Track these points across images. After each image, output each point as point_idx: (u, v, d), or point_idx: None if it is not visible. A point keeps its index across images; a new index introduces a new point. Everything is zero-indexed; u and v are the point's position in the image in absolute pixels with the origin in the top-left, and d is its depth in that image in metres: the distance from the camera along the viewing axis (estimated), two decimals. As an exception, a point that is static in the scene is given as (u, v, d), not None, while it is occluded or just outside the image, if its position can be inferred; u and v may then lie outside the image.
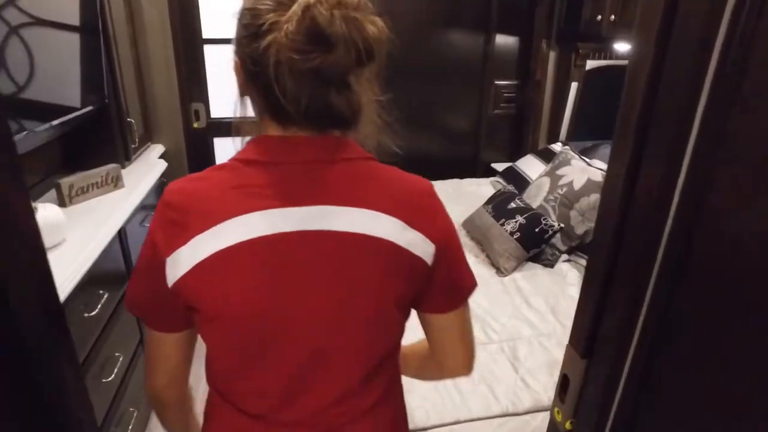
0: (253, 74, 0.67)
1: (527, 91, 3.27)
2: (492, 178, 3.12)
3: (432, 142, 3.32)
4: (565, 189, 2.23)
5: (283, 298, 0.67)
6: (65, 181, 2.09)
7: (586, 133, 3.30)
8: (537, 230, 2.09)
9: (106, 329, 1.67)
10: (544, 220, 2.10)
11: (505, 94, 3.31)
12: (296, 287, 0.67)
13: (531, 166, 2.87)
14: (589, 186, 2.17)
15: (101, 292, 1.64)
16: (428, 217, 0.74)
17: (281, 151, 0.69)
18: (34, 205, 1.56)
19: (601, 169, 2.25)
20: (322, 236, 0.67)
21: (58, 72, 2.04)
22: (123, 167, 2.55)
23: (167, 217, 0.68)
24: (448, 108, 3.29)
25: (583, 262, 2.15)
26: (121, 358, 1.73)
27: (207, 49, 2.96)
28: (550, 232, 2.10)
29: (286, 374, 0.72)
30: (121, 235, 2.00)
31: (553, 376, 1.58)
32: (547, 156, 2.89)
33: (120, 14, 2.62)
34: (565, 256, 2.22)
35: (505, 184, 2.93)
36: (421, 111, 3.23)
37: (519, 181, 2.78)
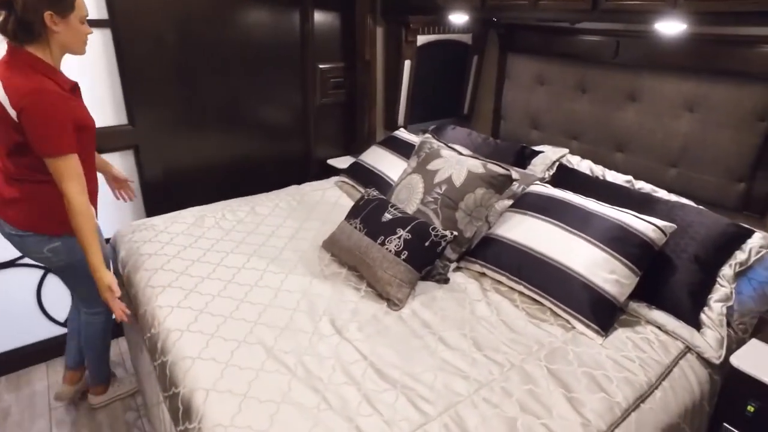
0: None
1: (357, 74, 2.80)
2: (335, 178, 2.60)
3: (251, 144, 2.66)
4: (444, 187, 1.83)
5: None
6: None
7: (423, 114, 2.98)
8: (427, 244, 1.65)
9: None
10: (432, 230, 1.67)
11: (332, 80, 2.80)
12: None
13: (381, 160, 2.43)
14: (472, 180, 1.79)
15: None
16: None
17: None
18: None
19: (478, 158, 1.90)
20: None
21: None
22: None
23: None
24: (265, 101, 2.65)
25: (477, 268, 1.78)
26: None
27: None
28: (443, 244, 1.68)
29: None
30: None
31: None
32: (394, 145, 2.48)
33: None
34: (454, 264, 1.83)
35: (354, 184, 2.44)
36: (232, 108, 2.54)
37: (373, 180, 2.32)
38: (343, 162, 2.82)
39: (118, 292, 1.63)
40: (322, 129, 2.85)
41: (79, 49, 1.56)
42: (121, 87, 2.24)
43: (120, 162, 2.35)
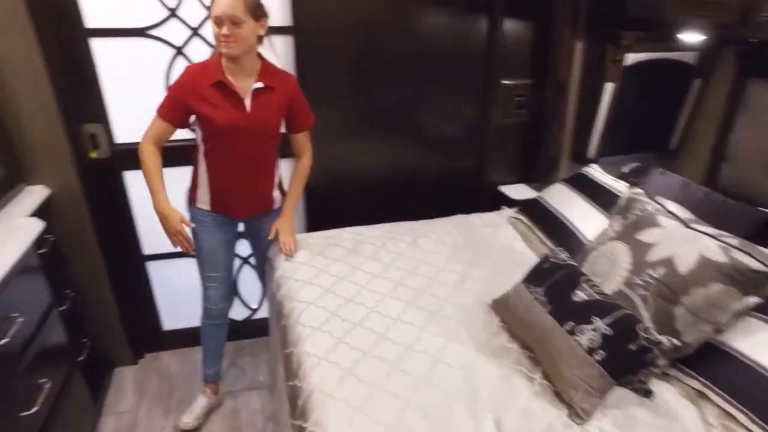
0: None
1: (546, 94, 2.37)
2: (509, 213, 2.23)
3: (418, 157, 2.40)
4: (662, 271, 1.37)
5: None
6: None
7: (618, 146, 2.46)
8: (633, 348, 1.24)
9: (24, 356, 1.45)
10: (642, 330, 1.25)
11: (516, 98, 2.41)
12: None
13: (568, 204, 1.99)
14: (706, 269, 1.31)
15: (14, 315, 1.42)
16: None
17: None
18: None
19: (714, 237, 1.40)
20: None
21: None
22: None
23: None
24: (438, 113, 2.36)
25: (696, 385, 1.31)
26: (47, 386, 1.53)
27: (96, 44, 1.90)
28: (655, 351, 1.25)
29: None
30: None
31: None
32: (586, 188, 2.03)
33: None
34: (657, 371, 1.38)
35: (532, 226, 2.05)
36: (403, 118, 2.30)
37: (557, 229, 1.91)
38: (517, 191, 2.44)
39: (181, 230, 1.71)
40: (497, 151, 2.49)
41: (217, 47, 1.56)
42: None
43: (287, 167, 2.27)
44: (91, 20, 1.83)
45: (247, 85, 1.62)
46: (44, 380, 1.56)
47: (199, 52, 1.98)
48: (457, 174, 2.49)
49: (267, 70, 1.67)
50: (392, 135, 2.32)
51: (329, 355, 1.41)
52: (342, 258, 1.85)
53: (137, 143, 1.66)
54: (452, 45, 2.24)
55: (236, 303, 2.45)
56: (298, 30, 2.01)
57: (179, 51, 1.96)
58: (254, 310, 2.54)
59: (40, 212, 1.81)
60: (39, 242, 1.70)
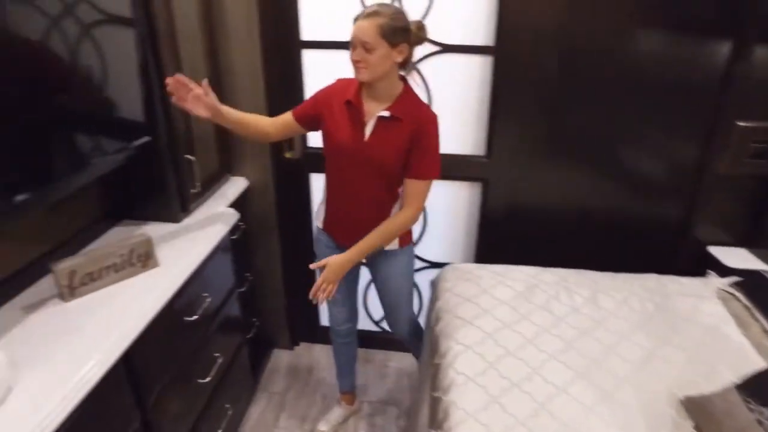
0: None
1: (799, 144, 1.88)
2: (719, 283, 1.82)
3: (610, 195, 2.09)
4: None
5: None
6: (63, 267, 1.28)
7: None
8: None
9: (205, 333, 1.63)
10: None
11: (754, 144, 1.95)
12: None
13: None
14: None
15: (205, 295, 1.59)
16: None
17: None
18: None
19: None
20: None
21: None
22: (178, 221, 1.73)
23: None
24: (645, 149, 2.02)
25: None
26: (220, 360, 1.70)
27: (306, 56, 2.01)
28: None
29: None
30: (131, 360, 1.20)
31: None
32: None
33: (190, 12, 1.75)
34: None
35: (752, 307, 1.64)
36: (600, 150, 2.02)
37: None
38: (734, 256, 2.00)
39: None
40: (715, 202, 2.06)
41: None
42: (488, 116, 2.00)
43: (466, 193, 2.17)
44: (305, 33, 1.94)
45: (375, 112, 1.49)
46: (218, 354, 1.71)
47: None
48: (655, 222, 2.13)
49: (404, 99, 1.50)
50: (583, 168, 2.06)
51: (479, 414, 1.28)
52: (510, 301, 1.69)
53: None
54: (675, 74, 1.89)
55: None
56: (498, 50, 1.88)
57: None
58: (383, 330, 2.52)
59: (238, 200, 2.01)
60: (233, 229, 1.87)
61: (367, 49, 1.37)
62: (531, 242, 2.16)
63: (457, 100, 2.00)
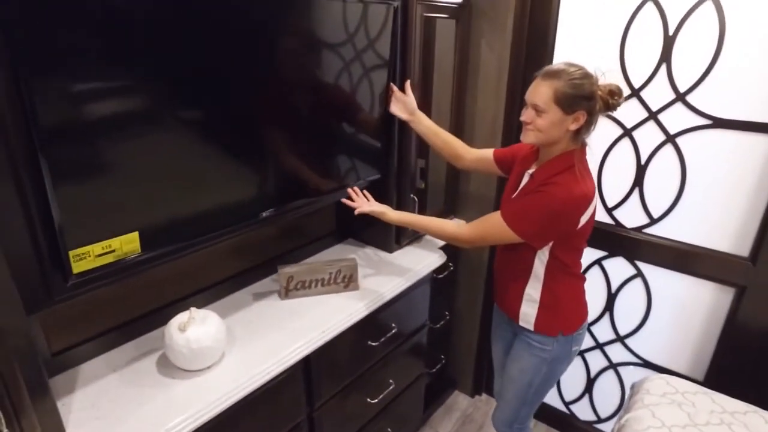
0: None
1: None
2: None
3: None
4: None
5: None
6: (285, 272, 1.58)
7: None
8: None
9: (384, 358, 1.73)
10: None
11: None
12: None
13: None
14: None
15: (393, 325, 1.71)
16: None
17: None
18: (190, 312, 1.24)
19: None
20: None
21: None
22: (391, 251, 1.90)
23: None
24: None
25: None
26: (392, 386, 1.80)
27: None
28: None
29: None
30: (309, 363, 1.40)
31: None
32: None
33: (446, 62, 1.89)
34: None
35: None
36: None
37: None
38: None
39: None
40: None
41: None
42: (765, 212, 1.58)
43: (710, 294, 1.77)
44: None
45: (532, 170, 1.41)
46: (391, 381, 1.81)
47: (650, 136, 1.75)
48: None
49: (557, 161, 1.32)
50: None
51: None
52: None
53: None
54: None
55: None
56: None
57: (627, 132, 1.79)
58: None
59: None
60: (440, 269, 1.94)
61: (538, 111, 1.27)
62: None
63: (720, 184, 1.65)
